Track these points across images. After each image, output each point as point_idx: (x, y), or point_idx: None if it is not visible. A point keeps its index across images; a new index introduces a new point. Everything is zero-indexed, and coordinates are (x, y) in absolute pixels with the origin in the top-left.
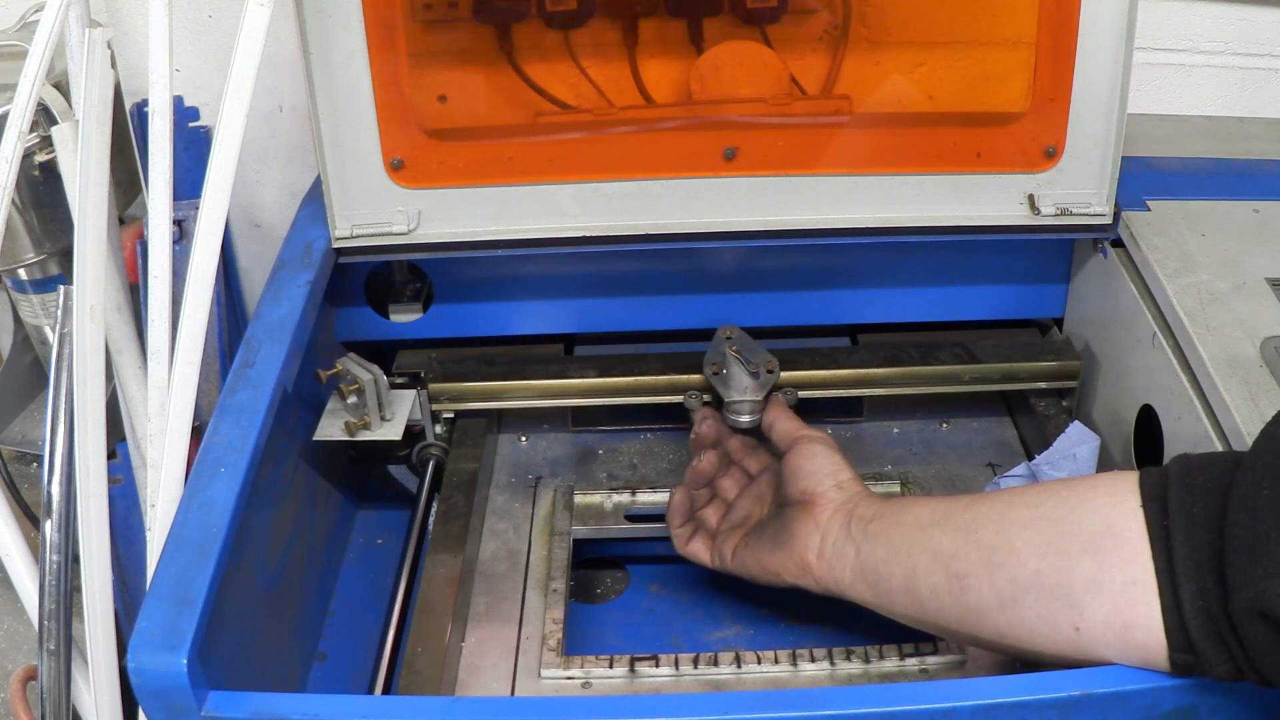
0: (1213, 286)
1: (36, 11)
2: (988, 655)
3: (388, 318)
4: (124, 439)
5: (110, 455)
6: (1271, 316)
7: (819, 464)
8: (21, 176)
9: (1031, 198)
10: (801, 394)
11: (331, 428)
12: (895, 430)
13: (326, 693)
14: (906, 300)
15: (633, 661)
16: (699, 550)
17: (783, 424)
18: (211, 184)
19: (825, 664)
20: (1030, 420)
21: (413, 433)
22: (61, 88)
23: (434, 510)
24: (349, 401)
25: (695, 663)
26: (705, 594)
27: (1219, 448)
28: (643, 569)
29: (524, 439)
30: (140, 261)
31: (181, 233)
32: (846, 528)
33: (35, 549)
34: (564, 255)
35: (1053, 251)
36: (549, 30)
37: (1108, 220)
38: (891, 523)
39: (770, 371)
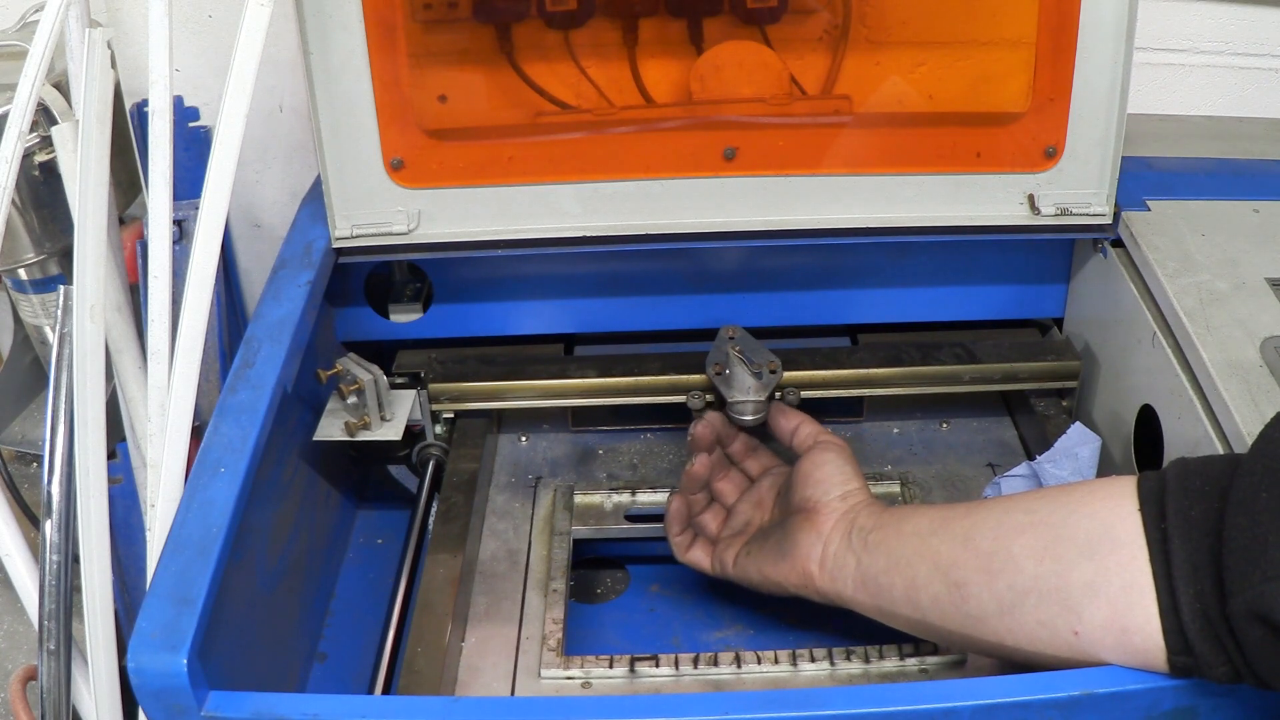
0: (1213, 286)
1: (36, 11)
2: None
3: (388, 318)
4: (124, 439)
5: (110, 455)
6: (1271, 316)
7: (828, 472)
8: (21, 176)
9: (1031, 198)
10: (802, 394)
11: (331, 428)
12: (895, 430)
13: (326, 693)
14: (906, 300)
15: (633, 661)
16: (699, 558)
17: (806, 428)
18: (211, 184)
19: (825, 664)
20: (1030, 420)
21: (413, 433)
22: (61, 88)
23: (434, 510)
24: (349, 401)
25: (695, 663)
26: (705, 594)
27: (1219, 448)
28: (643, 569)
29: (524, 439)
30: (140, 261)
31: (181, 233)
32: (847, 538)
33: (35, 549)
34: (564, 255)
35: (1052, 251)
36: (549, 30)
37: (1108, 220)
38: (891, 532)
39: (773, 372)
